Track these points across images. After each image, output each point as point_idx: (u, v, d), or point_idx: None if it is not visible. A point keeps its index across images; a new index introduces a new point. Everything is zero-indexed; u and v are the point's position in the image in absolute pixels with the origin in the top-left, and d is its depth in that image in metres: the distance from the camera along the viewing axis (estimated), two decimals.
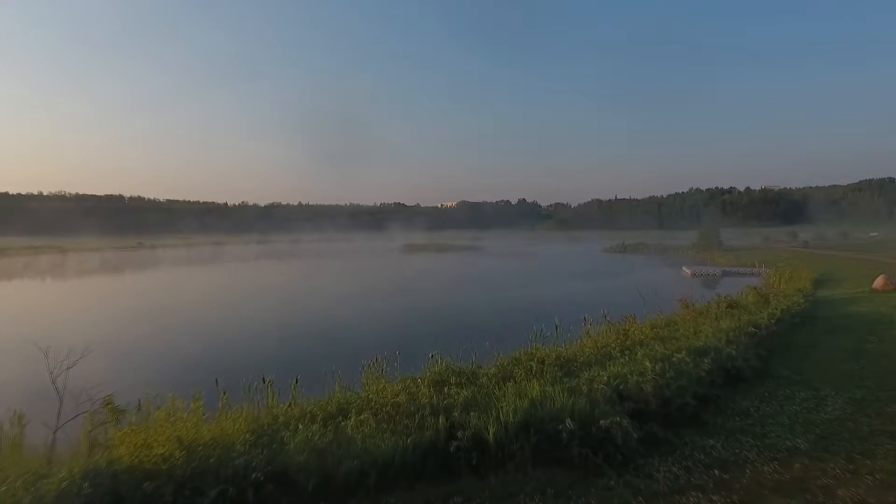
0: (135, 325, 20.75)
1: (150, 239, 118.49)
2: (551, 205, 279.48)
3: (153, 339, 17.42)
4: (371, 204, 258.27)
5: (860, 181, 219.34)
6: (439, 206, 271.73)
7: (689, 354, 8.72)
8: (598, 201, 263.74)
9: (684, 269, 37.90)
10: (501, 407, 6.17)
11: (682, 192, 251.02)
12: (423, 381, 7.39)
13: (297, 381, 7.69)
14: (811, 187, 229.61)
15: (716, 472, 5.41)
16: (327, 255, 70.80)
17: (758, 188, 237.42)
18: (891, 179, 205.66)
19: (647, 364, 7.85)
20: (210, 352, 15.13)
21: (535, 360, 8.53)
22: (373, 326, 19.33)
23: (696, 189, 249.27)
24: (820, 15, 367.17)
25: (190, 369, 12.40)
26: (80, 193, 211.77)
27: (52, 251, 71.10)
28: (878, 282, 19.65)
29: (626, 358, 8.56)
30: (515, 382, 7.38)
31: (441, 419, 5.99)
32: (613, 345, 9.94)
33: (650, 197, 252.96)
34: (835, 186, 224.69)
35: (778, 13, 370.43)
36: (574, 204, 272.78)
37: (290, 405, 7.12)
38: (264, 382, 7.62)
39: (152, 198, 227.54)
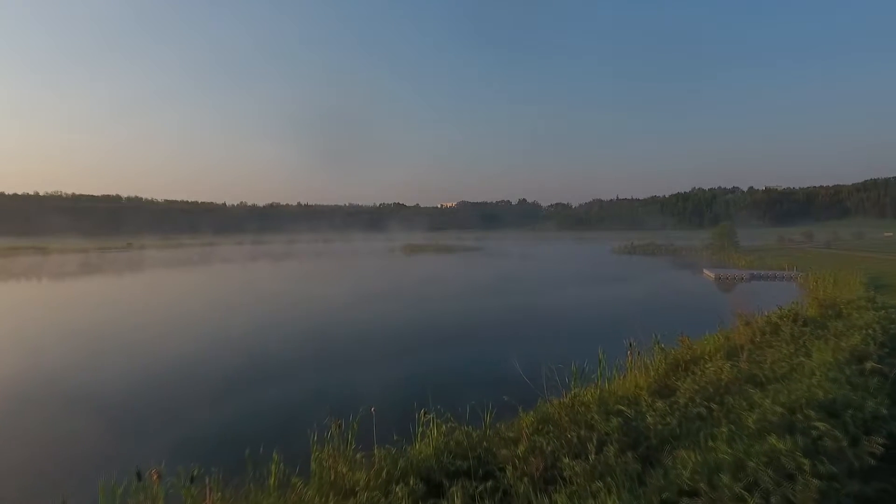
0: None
1: (145, 239, 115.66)
2: (552, 205, 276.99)
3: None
4: (371, 204, 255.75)
5: (865, 181, 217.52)
6: (439, 206, 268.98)
7: (819, 413, 5.67)
8: (600, 201, 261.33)
9: (705, 271, 34.78)
10: None
11: (685, 192, 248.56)
12: (404, 483, 4.31)
13: (192, 480, 4.58)
14: (815, 187, 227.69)
15: None
16: (320, 257, 67.57)
17: (761, 188, 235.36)
18: None
19: (777, 443, 4.77)
20: (96, 402, 10.79)
21: (587, 428, 5.47)
22: (349, 354, 15.02)
23: (699, 189, 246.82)
24: (822, 11, 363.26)
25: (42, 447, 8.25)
26: (77, 193, 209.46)
27: (33, 252, 68.09)
28: None
29: (731, 426, 5.44)
30: (566, 485, 4.33)
31: None
32: (688, 391, 6.87)
33: (652, 197, 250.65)
34: (839, 186, 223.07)
35: (780, 9, 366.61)
36: (575, 204, 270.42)
37: None
38: (140, 479, 4.51)
39: (150, 198, 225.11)
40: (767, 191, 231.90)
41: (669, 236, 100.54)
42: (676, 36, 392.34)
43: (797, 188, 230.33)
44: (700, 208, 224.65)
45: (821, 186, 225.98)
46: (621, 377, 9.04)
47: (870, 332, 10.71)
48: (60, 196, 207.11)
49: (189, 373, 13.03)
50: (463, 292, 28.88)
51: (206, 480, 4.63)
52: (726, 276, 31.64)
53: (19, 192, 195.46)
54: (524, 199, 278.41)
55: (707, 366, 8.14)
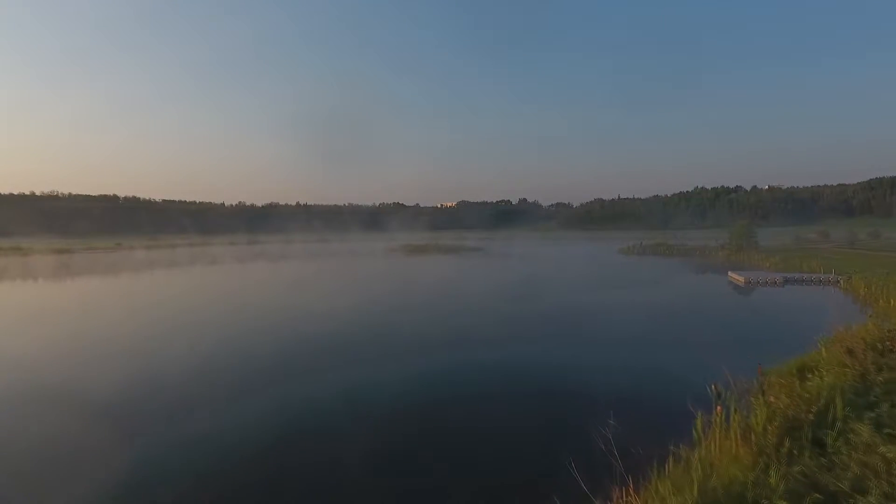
0: None
1: (138, 240, 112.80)
2: (553, 204, 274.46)
3: None
4: (370, 204, 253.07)
5: (870, 179, 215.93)
6: (439, 205, 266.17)
7: None
8: (601, 201, 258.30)
9: (731, 275, 31.71)
10: None
11: (688, 192, 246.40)
12: None
13: None
14: (819, 186, 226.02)
15: None
16: (313, 259, 64.38)
17: (764, 187, 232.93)
18: None
19: None
20: None
21: None
22: (302, 411, 10.26)
23: (702, 188, 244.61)
24: (826, 7, 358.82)
25: None
26: (74, 193, 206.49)
27: (11, 253, 65.05)
28: None
29: None
30: None
31: None
32: None
33: (654, 196, 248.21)
34: (843, 185, 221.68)
35: (782, 6, 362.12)
36: (576, 203, 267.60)
37: None
38: None
39: (147, 198, 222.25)
40: (771, 190, 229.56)
41: (678, 236, 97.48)
42: (678, 33, 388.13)
43: (801, 187, 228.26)
44: (703, 208, 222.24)
45: (825, 185, 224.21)
46: (707, 444, 6.04)
47: None
48: (56, 196, 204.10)
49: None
50: (469, 305, 24.08)
51: None
52: (756, 279, 28.59)
53: (15, 192, 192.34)
54: (524, 199, 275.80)
55: (875, 443, 5.07)
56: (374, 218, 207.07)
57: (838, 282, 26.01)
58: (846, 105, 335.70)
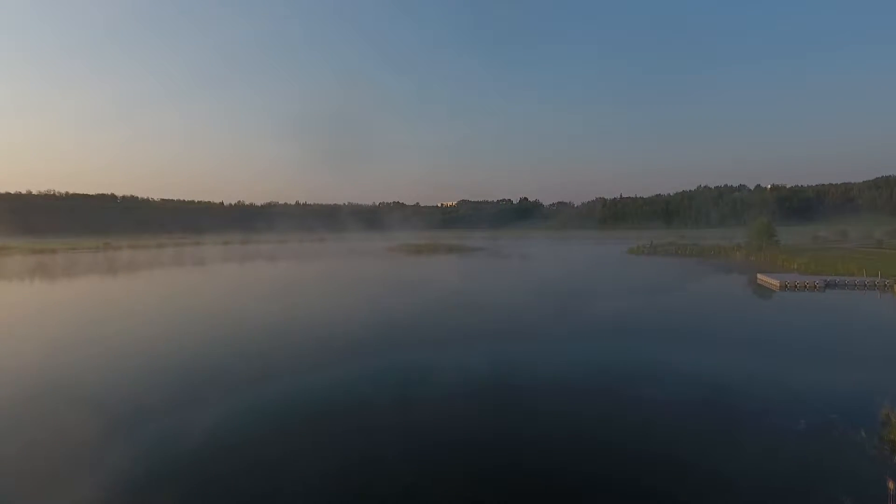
0: None
1: (130, 240, 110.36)
2: (553, 204, 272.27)
3: None
4: (370, 203, 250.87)
5: (876, 178, 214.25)
6: (439, 205, 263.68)
7: None
8: (603, 200, 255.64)
9: (762, 277, 28.94)
10: None
11: (690, 191, 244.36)
12: None
13: None
14: (823, 185, 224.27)
15: None
16: (305, 259, 61.59)
17: (767, 186, 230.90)
18: None
19: None
20: None
21: None
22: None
23: (705, 187, 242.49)
24: (830, 4, 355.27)
25: None
26: (71, 193, 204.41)
27: None
28: None
29: None
30: None
31: None
32: None
33: (657, 195, 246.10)
34: (848, 184, 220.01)
35: (786, 1, 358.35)
36: (577, 203, 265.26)
37: None
38: None
39: (146, 197, 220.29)
40: (775, 189, 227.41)
41: (676, 235, 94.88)
42: (680, 30, 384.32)
43: (806, 185, 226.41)
44: (707, 207, 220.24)
45: (830, 184, 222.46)
46: None
47: None
48: (53, 195, 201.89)
49: None
50: (504, 315, 20.12)
51: None
52: (794, 283, 25.83)
53: (12, 192, 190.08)
54: (525, 198, 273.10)
55: None
56: (373, 217, 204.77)
57: (887, 286, 23.27)
58: (850, 104, 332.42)
